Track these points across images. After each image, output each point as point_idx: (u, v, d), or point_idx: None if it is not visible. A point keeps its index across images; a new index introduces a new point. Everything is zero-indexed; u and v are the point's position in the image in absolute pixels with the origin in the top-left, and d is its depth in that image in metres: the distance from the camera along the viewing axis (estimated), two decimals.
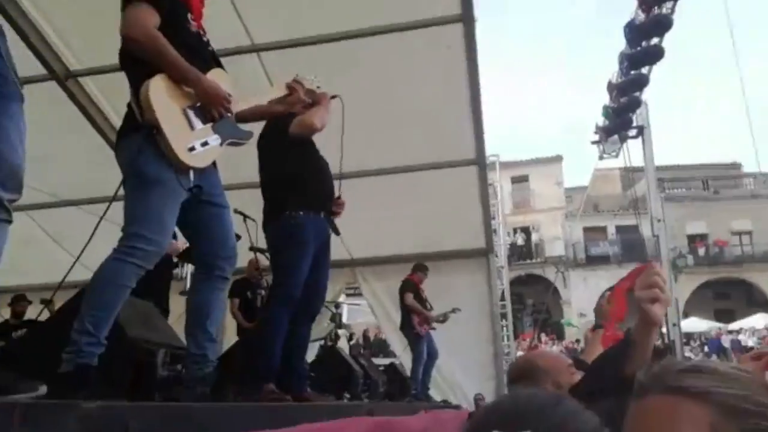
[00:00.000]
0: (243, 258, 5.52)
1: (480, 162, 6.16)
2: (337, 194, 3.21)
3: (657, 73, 12.74)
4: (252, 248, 4.52)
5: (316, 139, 3.25)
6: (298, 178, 3.06)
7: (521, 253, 28.00)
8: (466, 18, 4.44)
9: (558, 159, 29.97)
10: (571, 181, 30.53)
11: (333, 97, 3.22)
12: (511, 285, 19.64)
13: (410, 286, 6.82)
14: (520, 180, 29.38)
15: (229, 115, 2.41)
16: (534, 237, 28.76)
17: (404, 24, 4.46)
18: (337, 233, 3.16)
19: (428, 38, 4.60)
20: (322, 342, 7.07)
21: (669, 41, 12.18)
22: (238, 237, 3.28)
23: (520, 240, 28.27)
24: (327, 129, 3.18)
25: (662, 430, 0.75)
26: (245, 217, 4.28)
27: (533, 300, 27.08)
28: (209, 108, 2.30)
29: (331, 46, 4.61)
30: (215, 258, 2.38)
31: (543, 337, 23.28)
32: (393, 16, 4.44)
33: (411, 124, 5.45)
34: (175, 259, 5.45)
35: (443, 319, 6.89)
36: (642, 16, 11.85)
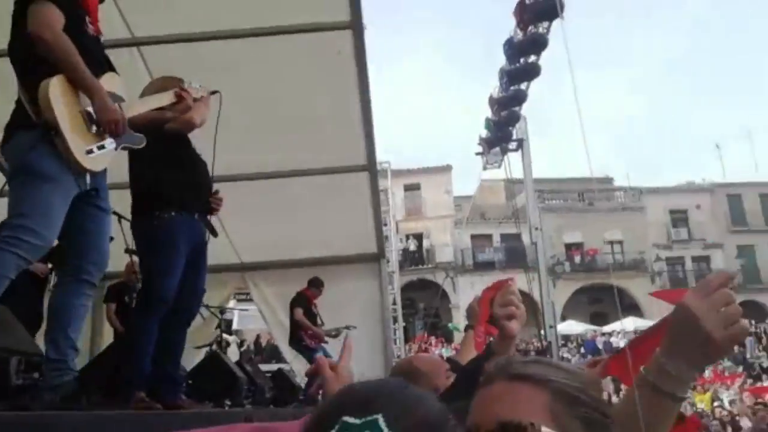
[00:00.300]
0: (120, 261, 5.24)
1: (371, 168, 6.23)
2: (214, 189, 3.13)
3: (536, 88, 13.45)
4: (127, 250, 4.28)
5: (205, 140, 3.16)
6: (170, 176, 2.95)
7: (413, 258, 28.74)
8: (356, 25, 4.48)
9: (448, 168, 31.21)
10: (460, 190, 31.83)
11: (213, 92, 3.15)
12: (404, 290, 20.07)
13: (301, 301, 6.78)
14: (412, 188, 30.27)
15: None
16: (425, 243, 29.64)
17: (293, 27, 4.43)
18: (215, 234, 3.07)
19: (318, 43, 4.60)
20: (209, 348, 6.83)
21: (548, 59, 12.92)
22: (111, 238, 3.12)
23: (412, 246, 29.00)
24: (217, 130, 3.11)
25: (506, 410, 0.80)
26: (120, 217, 4.04)
27: (424, 304, 27.79)
28: (101, 124, 2.31)
29: (217, 44, 4.49)
30: (85, 262, 2.34)
31: (433, 340, 23.90)
32: (281, 18, 4.39)
33: (302, 128, 5.41)
34: (49, 265, 5.09)
35: (335, 333, 6.87)
36: (520, 35, 12.48)
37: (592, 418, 0.82)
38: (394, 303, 11.71)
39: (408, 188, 29.91)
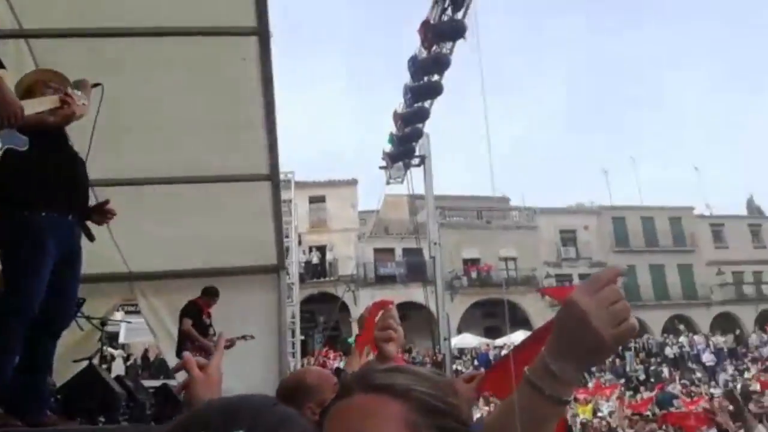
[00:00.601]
0: None
1: (273, 178, 6.12)
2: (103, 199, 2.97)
3: (439, 106, 13.66)
4: None
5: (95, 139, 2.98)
6: (42, 174, 2.76)
7: (316, 271, 28.56)
8: (262, 32, 4.40)
9: (353, 182, 31.51)
10: (366, 204, 32.10)
11: (95, 85, 2.98)
12: (305, 303, 19.86)
13: (191, 311, 6.52)
14: (317, 200, 30.22)
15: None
16: (329, 256, 29.61)
17: (195, 29, 4.29)
18: (91, 239, 2.88)
19: (221, 47, 4.48)
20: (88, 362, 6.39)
21: (453, 79, 13.24)
22: None
23: (315, 258, 28.82)
24: (95, 126, 2.94)
25: (362, 424, 0.78)
26: None
27: (324, 317, 27.62)
28: None
29: (112, 40, 4.26)
30: None
31: (331, 353, 23.76)
32: (184, 19, 4.24)
33: (203, 133, 5.24)
34: None
35: (229, 345, 6.64)
36: (424, 53, 12.78)
37: (450, 426, 0.82)
38: (293, 316, 11.53)
39: (313, 200, 29.86)
